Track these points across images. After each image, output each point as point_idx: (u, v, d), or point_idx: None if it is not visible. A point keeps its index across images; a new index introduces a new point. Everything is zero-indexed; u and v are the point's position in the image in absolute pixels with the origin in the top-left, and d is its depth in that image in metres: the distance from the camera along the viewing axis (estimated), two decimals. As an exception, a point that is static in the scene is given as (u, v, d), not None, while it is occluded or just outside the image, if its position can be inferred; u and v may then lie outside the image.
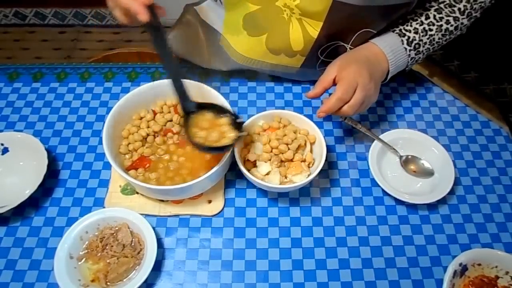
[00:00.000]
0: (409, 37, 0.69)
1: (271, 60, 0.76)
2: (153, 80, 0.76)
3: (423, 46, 0.70)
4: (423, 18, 0.70)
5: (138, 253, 0.62)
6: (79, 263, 0.61)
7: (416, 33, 0.69)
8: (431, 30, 0.70)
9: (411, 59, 0.71)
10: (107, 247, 0.62)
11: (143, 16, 0.57)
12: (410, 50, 0.69)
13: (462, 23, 0.71)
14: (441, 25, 0.70)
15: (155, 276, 0.63)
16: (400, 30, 0.70)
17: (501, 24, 1.21)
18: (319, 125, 0.71)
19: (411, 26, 0.70)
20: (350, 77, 0.63)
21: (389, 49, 0.68)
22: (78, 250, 0.62)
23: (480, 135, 0.78)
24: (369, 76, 0.64)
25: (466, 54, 1.40)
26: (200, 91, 0.72)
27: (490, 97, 1.37)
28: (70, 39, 2.08)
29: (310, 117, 0.71)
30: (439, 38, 0.71)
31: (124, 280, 0.60)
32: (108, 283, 0.60)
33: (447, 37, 0.72)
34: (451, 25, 0.70)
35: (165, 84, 0.73)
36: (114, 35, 2.10)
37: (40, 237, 0.66)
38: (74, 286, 0.58)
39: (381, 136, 0.73)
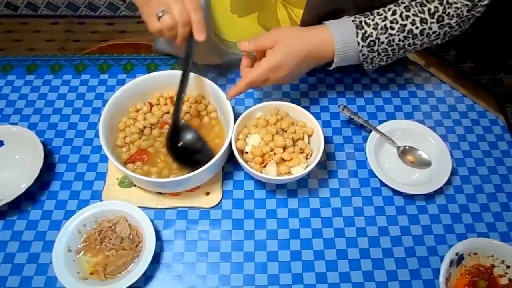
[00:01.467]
0: (365, 31, 0.65)
1: None
2: (149, 72, 0.75)
3: (379, 46, 0.66)
4: (389, 14, 0.65)
5: (137, 245, 0.62)
6: (78, 256, 0.61)
7: (375, 29, 0.65)
8: (392, 28, 0.65)
9: (362, 55, 0.67)
10: (105, 240, 0.62)
11: (203, 35, 0.62)
12: (362, 46, 0.66)
13: (430, 28, 0.65)
14: (405, 25, 0.65)
15: (154, 268, 0.63)
16: (361, 22, 0.66)
17: (497, 14, 1.21)
18: (317, 116, 0.71)
19: (373, 20, 0.66)
20: (278, 75, 0.65)
21: (339, 38, 0.65)
22: (76, 243, 0.62)
23: (477, 125, 0.79)
24: (296, 68, 0.65)
25: (462, 43, 1.39)
26: (197, 83, 0.71)
27: (487, 87, 1.37)
28: (63, 30, 2.05)
29: (307, 108, 0.71)
30: (399, 40, 0.66)
31: (123, 272, 0.61)
32: (107, 276, 0.60)
33: (410, 41, 0.67)
34: (416, 27, 0.65)
35: (161, 75, 0.72)
36: (107, 26, 2.07)
37: (38, 230, 0.66)
38: (73, 279, 0.58)
39: (378, 127, 0.73)
